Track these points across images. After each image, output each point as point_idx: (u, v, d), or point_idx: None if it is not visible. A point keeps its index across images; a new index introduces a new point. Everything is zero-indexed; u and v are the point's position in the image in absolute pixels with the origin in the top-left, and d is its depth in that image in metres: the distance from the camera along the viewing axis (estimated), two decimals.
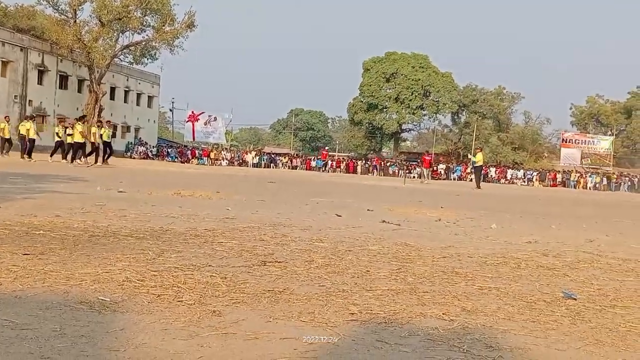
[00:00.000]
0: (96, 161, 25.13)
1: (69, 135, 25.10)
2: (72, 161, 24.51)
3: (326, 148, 75.24)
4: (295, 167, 61.87)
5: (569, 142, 74.02)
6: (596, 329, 3.09)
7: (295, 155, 70.49)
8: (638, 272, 5.01)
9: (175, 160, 56.97)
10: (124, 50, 53.47)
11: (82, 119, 27.90)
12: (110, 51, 50.23)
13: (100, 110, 50.59)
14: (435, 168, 61.43)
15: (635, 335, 3.03)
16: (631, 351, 2.75)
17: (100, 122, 27.77)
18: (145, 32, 52.88)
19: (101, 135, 25.77)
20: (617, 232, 8.82)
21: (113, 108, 59.78)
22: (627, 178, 60.42)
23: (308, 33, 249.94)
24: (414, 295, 3.60)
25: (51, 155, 25.81)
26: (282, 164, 62.92)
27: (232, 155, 63.26)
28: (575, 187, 57.29)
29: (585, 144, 73.78)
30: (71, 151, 25.06)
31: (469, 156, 37.60)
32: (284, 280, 3.79)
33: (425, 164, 41.72)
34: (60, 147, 25.91)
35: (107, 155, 26.12)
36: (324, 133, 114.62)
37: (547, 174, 63.00)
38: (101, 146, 25.96)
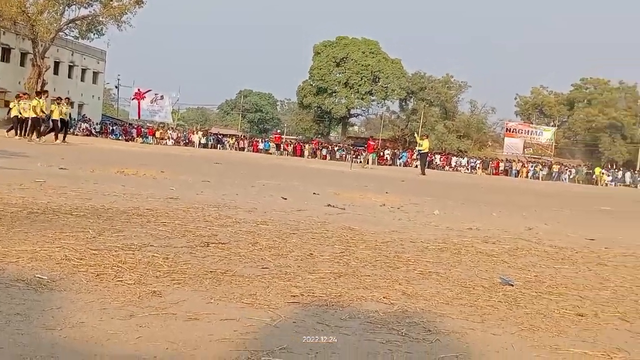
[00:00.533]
0: (56, 138, 24.54)
1: (24, 110, 24.42)
2: (30, 136, 23.87)
3: (278, 131, 75.00)
4: (242, 149, 61.46)
5: (513, 131, 75.54)
6: (531, 315, 3.17)
7: (242, 137, 70.02)
8: (574, 260, 5.15)
9: (120, 138, 55.81)
10: (70, 25, 52.03)
11: (40, 94, 27.18)
12: (55, 25, 48.85)
13: (43, 84, 49.22)
14: (382, 154, 62.03)
15: (568, 321, 3.12)
16: (564, 336, 2.84)
17: (60, 98, 26.98)
18: (92, 6, 51.55)
19: (61, 111, 25.13)
20: (555, 221, 9.04)
21: (56, 83, 58.28)
22: (566, 168, 61.98)
23: (257, 11, 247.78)
24: (356, 279, 3.63)
25: (10, 131, 25.18)
26: (229, 145, 62.44)
27: (178, 134, 62.48)
28: (517, 176, 58.45)
29: (528, 134, 75.43)
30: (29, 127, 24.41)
31: (416, 135, 37.85)
32: (226, 262, 3.77)
33: (369, 148, 41.96)
34: (19, 124, 25.17)
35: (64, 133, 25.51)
36: (273, 115, 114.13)
37: (491, 162, 64.12)
38: (58, 123, 25.30)
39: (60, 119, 25.25)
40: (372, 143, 42.52)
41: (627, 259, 5.52)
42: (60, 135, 25.00)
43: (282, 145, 61.48)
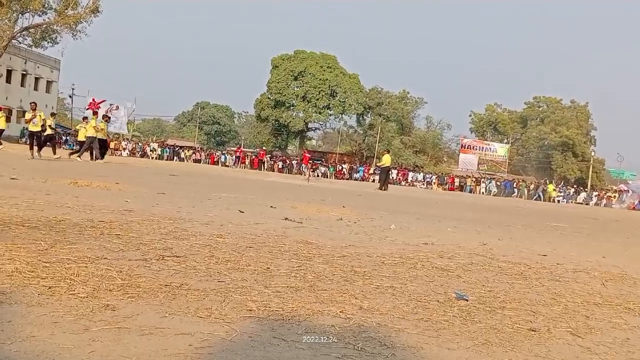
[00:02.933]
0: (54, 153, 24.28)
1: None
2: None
3: (239, 145, 74.79)
4: (198, 161, 61.03)
5: (468, 148, 76.75)
6: (485, 330, 3.21)
7: (199, 149, 69.57)
8: (526, 276, 5.23)
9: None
10: (23, 32, 51.16)
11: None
12: (8, 32, 47.99)
13: None
14: (339, 167, 62.38)
15: (521, 336, 3.16)
16: (517, 351, 2.88)
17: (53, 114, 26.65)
18: (46, 14, 50.82)
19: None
20: (508, 236, 9.18)
21: (9, 91, 57.31)
22: (522, 184, 63.04)
23: (217, 26, 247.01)
24: (313, 293, 3.63)
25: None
26: (186, 157, 61.96)
27: (134, 146, 61.76)
28: (471, 192, 59.25)
29: (482, 150, 76.68)
30: None
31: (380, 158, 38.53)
32: (182, 275, 3.74)
33: (304, 160, 43.13)
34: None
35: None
36: (230, 128, 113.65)
37: (446, 178, 64.91)
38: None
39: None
40: (307, 155, 43.92)
41: (579, 274, 5.62)
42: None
43: (239, 158, 61.51)
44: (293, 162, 64.63)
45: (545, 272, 5.55)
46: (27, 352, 2.20)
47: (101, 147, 25.22)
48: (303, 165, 44.22)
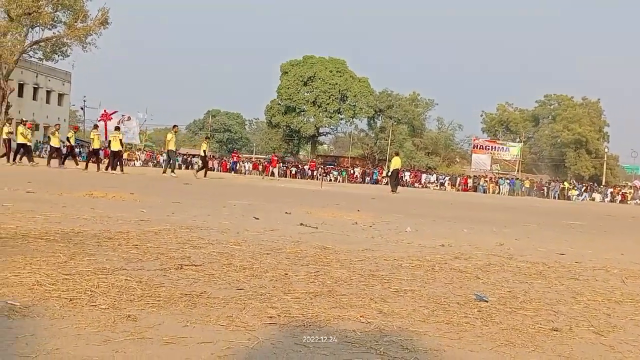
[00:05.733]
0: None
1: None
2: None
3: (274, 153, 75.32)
4: (211, 169, 61.10)
5: (480, 148, 76.51)
6: (507, 330, 3.20)
7: (211, 157, 69.72)
8: (546, 275, 5.20)
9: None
10: (34, 46, 51.55)
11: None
12: (19, 47, 48.31)
13: (8, 107, 48.66)
14: (352, 171, 62.41)
15: (543, 336, 3.14)
16: (540, 351, 2.86)
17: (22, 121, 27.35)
18: (56, 28, 51.19)
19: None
20: (525, 236, 9.14)
21: (21, 105, 57.72)
22: (535, 183, 62.79)
23: (225, 33, 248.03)
24: (332, 298, 3.62)
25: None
26: (198, 166, 62.11)
27: (147, 156, 62.01)
28: (485, 192, 59.06)
29: (495, 150, 76.39)
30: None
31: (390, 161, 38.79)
32: (201, 284, 3.75)
33: (273, 162, 48.59)
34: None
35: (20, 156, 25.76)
36: (241, 135, 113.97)
37: (459, 178, 64.71)
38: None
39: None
40: (275, 158, 47.24)
41: (598, 272, 5.59)
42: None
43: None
44: (305, 167, 64.69)
45: (564, 271, 5.53)
46: None
47: (114, 157, 25.61)
48: (272, 167, 47.61)
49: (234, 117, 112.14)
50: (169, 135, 26.36)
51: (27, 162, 25.50)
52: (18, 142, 25.59)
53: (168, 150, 26.41)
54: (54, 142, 26.68)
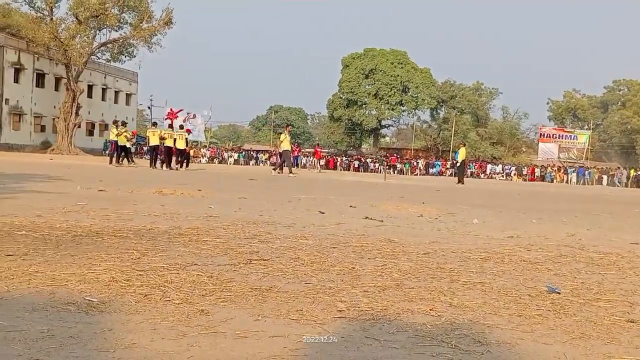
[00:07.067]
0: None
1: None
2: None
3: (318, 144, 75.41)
4: (274, 164, 61.65)
5: (547, 136, 74.77)
6: (581, 323, 3.13)
7: (274, 152, 70.33)
8: (619, 266, 5.07)
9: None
10: (101, 48, 53.02)
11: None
12: (87, 49, 49.73)
13: (78, 108, 50.17)
14: (415, 163, 62.00)
15: (619, 328, 3.07)
16: (616, 344, 2.79)
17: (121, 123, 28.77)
18: (122, 29, 52.47)
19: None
20: (596, 225, 8.91)
21: (91, 106, 59.41)
22: (605, 171, 61.05)
23: (287, 31, 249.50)
24: (401, 292, 3.62)
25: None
26: (262, 161, 62.73)
27: (212, 153, 62.96)
28: (552, 181, 57.77)
29: (562, 138, 74.53)
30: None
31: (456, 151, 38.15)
32: (270, 278, 3.79)
33: (316, 155, 49.05)
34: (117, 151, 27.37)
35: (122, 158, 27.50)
36: (304, 129, 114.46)
37: (525, 168, 63.45)
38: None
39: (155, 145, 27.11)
40: (318, 150, 47.24)
41: None
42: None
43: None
44: (368, 160, 64.52)
45: (639, 261, 5.37)
46: (131, 359, 2.28)
47: (180, 155, 26.19)
48: (316, 159, 48.01)
49: (296, 112, 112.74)
50: (282, 136, 26.45)
51: (127, 164, 27.11)
52: (120, 144, 27.07)
53: (283, 151, 26.54)
54: (122, 141, 27.49)
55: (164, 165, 25.63)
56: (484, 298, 3.57)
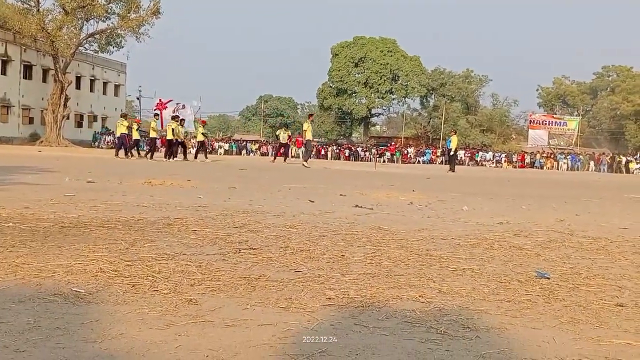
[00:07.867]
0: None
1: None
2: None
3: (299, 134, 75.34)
4: (265, 154, 61.59)
5: (537, 123, 74.90)
6: (570, 307, 3.13)
7: (265, 142, 70.23)
8: (609, 251, 5.08)
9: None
10: (89, 39, 52.52)
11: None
12: (74, 40, 49.32)
13: (67, 100, 49.84)
14: (405, 151, 62.04)
15: (608, 312, 3.07)
16: (605, 328, 2.80)
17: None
18: (110, 19, 51.97)
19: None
20: (586, 211, 8.94)
21: (79, 97, 59.03)
22: (592, 157, 61.28)
23: (275, 18, 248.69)
24: (390, 279, 3.61)
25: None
26: (252, 152, 62.64)
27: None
28: (542, 168, 57.95)
29: (552, 124, 74.68)
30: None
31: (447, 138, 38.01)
32: (259, 267, 3.78)
33: (297, 144, 49.01)
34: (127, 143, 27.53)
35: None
36: (294, 119, 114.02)
37: (515, 155, 63.60)
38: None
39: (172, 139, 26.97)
40: (299, 139, 48.25)
41: None
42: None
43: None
44: (358, 149, 64.53)
45: (628, 245, 5.39)
46: (118, 350, 2.26)
47: (170, 146, 26.23)
48: (297, 148, 48.25)
49: (286, 101, 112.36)
50: (306, 125, 26.21)
51: (137, 156, 27.40)
52: (135, 137, 27.66)
53: (306, 141, 26.48)
54: (135, 135, 27.59)
55: (170, 156, 25.62)
56: (473, 284, 3.57)
